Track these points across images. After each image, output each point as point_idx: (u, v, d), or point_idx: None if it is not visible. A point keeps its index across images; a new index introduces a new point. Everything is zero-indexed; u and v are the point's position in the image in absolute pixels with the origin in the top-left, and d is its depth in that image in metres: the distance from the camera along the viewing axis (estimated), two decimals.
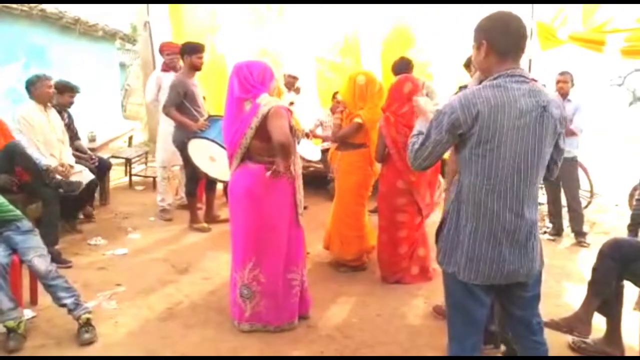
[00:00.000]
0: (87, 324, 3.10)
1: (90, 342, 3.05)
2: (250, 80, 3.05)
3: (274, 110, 2.96)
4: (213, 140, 4.44)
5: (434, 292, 3.88)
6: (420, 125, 2.18)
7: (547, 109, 1.93)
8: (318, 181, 6.85)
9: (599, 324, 3.12)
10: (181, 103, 5.00)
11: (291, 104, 5.87)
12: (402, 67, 5.53)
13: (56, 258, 4.03)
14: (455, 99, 1.94)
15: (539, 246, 2.09)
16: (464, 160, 1.99)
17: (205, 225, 5.39)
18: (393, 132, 3.88)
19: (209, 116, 4.99)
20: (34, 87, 4.72)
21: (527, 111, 1.90)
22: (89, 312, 3.15)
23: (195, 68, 5.14)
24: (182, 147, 4.97)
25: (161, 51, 5.79)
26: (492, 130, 1.88)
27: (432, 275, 4.15)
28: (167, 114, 5.06)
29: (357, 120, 4.10)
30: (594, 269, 3.04)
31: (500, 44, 1.95)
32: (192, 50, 5.08)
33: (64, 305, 3.10)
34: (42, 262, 3.17)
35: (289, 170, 3.12)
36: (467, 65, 5.06)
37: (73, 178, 4.81)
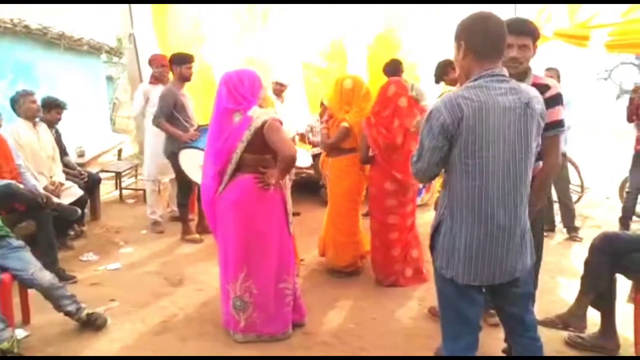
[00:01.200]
0: (91, 315, 3.37)
1: (104, 324, 3.40)
2: (241, 90, 2.99)
3: (270, 123, 2.91)
4: (203, 150, 4.42)
5: (429, 294, 3.88)
6: None
7: (530, 105, 1.95)
8: (310, 187, 6.84)
9: (594, 318, 3.14)
10: (171, 114, 4.99)
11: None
12: (393, 68, 5.62)
13: (62, 275, 4.06)
14: (439, 103, 1.94)
15: (530, 240, 2.11)
16: (453, 164, 1.98)
17: (197, 236, 5.37)
18: (374, 132, 3.90)
19: (199, 126, 4.98)
20: (18, 104, 4.72)
21: (510, 109, 1.91)
22: (86, 308, 3.39)
23: (184, 79, 5.13)
24: (173, 158, 4.96)
25: (150, 64, 5.76)
26: (478, 131, 1.89)
27: (426, 276, 4.15)
28: (158, 125, 5.03)
29: (344, 124, 4.11)
30: (586, 264, 3.06)
31: (478, 44, 1.96)
32: (181, 61, 5.08)
33: (67, 312, 3.27)
34: (44, 274, 3.24)
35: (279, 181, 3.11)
36: (438, 80, 5.10)
37: (64, 197, 4.78)
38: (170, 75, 5.40)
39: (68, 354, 3.10)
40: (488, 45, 1.95)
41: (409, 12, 7.45)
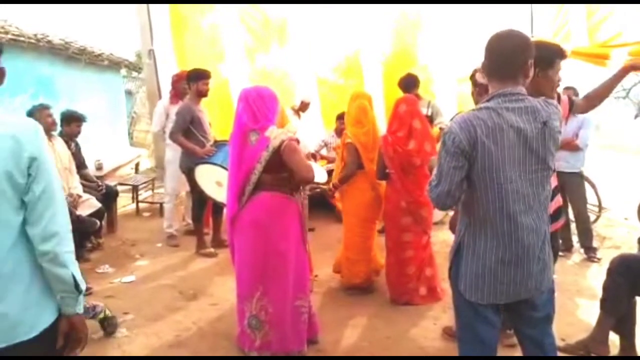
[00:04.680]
0: (104, 320, 3.47)
1: (113, 331, 3.51)
2: (260, 107, 2.99)
3: (288, 144, 2.90)
4: (220, 165, 4.46)
5: (444, 313, 3.85)
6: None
7: (548, 124, 1.94)
8: (325, 203, 6.83)
9: (613, 341, 3.07)
10: (188, 129, 5.05)
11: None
12: (408, 83, 5.66)
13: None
14: (454, 124, 1.95)
15: (550, 253, 2.11)
16: (472, 185, 1.98)
17: (212, 250, 5.39)
18: (390, 151, 3.91)
19: (215, 141, 5.03)
20: (34, 118, 4.78)
21: (525, 129, 1.91)
22: (102, 310, 3.48)
23: (201, 94, 5.19)
24: (188, 173, 5.00)
25: (177, 81, 5.74)
26: (493, 152, 1.89)
27: (440, 295, 4.11)
28: (174, 140, 5.10)
29: (347, 140, 4.18)
30: (605, 287, 3.01)
31: (489, 64, 1.99)
32: (197, 77, 5.15)
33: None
34: None
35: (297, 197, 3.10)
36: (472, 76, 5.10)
37: (81, 209, 4.84)
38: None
39: None
40: (497, 65, 1.97)
41: (422, 29, 7.52)
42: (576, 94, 5.33)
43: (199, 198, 5.19)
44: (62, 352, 1.74)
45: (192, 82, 5.17)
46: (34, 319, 1.62)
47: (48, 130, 4.89)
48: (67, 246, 1.64)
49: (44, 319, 1.65)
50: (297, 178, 2.95)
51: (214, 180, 4.59)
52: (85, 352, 3.21)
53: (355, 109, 4.24)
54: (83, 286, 1.69)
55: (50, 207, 1.60)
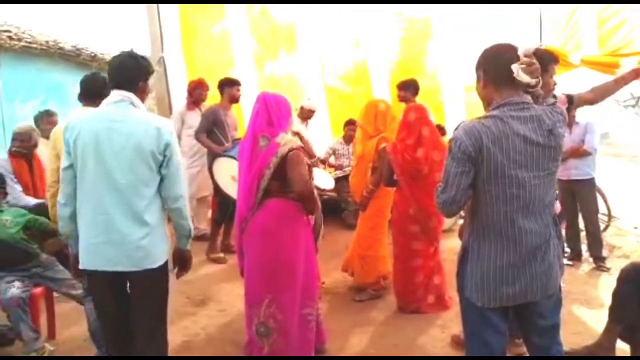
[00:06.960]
0: None
1: None
2: (277, 113, 3.01)
3: (293, 154, 2.91)
4: (231, 157, 4.44)
5: (452, 321, 3.83)
6: None
7: (553, 131, 1.97)
8: (332, 210, 6.83)
9: (623, 351, 3.06)
10: (211, 130, 5.35)
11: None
12: (408, 85, 5.68)
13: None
14: (459, 130, 1.99)
15: (558, 255, 2.11)
16: (477, 191, 2.01)
17: (221, 255, 5.41)
18: (399, 159, 3.92)
19: (234, 140, 5.12)
20: (39, 124, 4.86)
21: (531, 137, 1.94)
22: None
23: (233, 100, 5.57)
24: (211, 172, 5.11)
25: (195, 88, 5.95)
26: (499, 158, 1.92)
27: (448, 303, 4.09)
28: (198, 139, 5.45)
29: (384, 145, 4.13)
30: (614, 295, 3.00)
31: (494, 74, 2.02)
32: (231, 84, 5.55)
33: None
34: (73, 283, 3.36)
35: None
36: None
37: None
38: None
39: None
40: (503, 75, 1.99)
41: (429, 38, 7.55)
42: (571, 101, 5.27)
43: (222, 201, 5.27)
44: (175, 273, 2.67)
45: (227, 87, 5.52)
46: (158, 254, 2.41)
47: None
48: (187, 205, 2.52)
49: (163, 256, 2.44)
50: (295, 191, 2.93)
51: (229, 175, 4.60)
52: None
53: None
54: (192, 233, 2.64)
55: (179, 178, 2.43)
